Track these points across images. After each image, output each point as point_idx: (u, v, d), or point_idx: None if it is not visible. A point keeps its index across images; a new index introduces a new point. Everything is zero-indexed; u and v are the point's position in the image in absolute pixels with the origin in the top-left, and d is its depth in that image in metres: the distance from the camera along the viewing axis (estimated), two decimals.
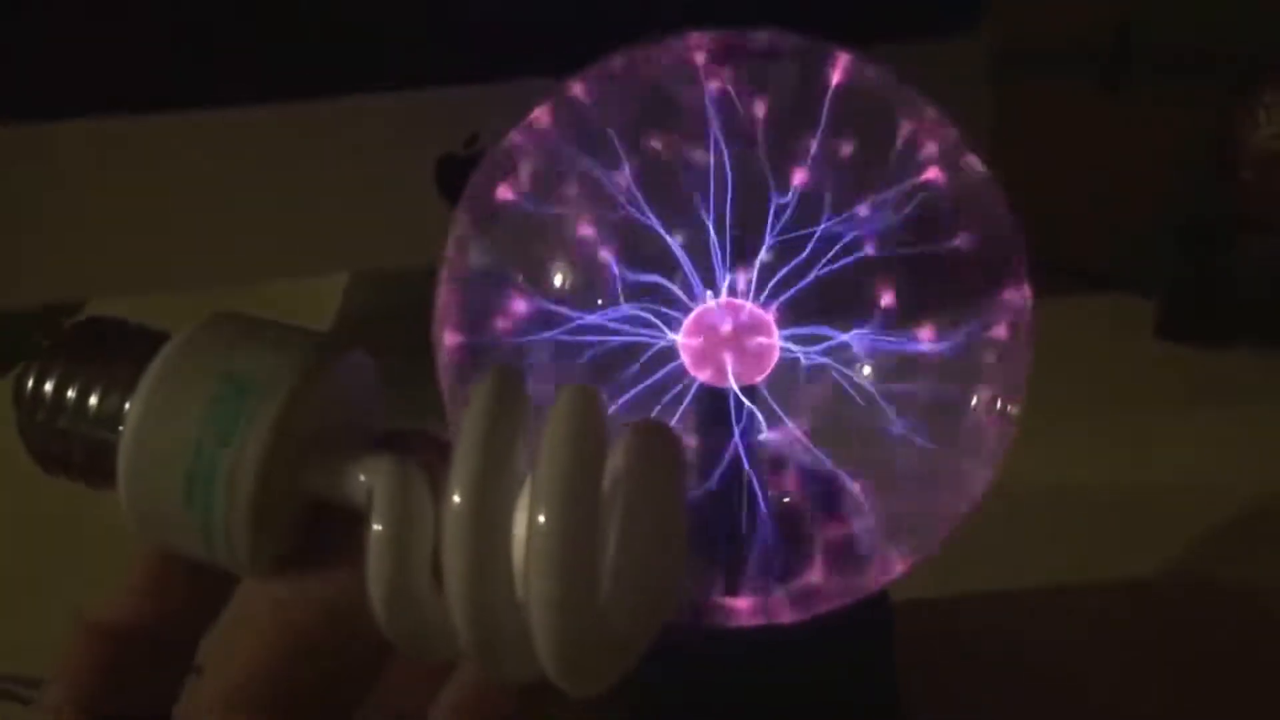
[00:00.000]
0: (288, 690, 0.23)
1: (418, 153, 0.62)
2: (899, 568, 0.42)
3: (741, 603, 0.40)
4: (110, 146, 0.59)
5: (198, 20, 0.58)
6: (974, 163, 0.38)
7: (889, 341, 0.38)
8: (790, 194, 0.37)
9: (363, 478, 0.24)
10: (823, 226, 0.37)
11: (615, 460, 0.23)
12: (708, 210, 0.37)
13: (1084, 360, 0.69)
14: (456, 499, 0.21)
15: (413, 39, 0.60)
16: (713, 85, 0.37)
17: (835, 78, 0.38)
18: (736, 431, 0.39)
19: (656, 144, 0.38)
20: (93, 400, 0.25)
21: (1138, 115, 0.79)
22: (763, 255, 0.38)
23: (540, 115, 0.39)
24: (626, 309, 0.38)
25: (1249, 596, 0.56)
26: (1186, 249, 0.75)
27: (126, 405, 0.24)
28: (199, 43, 0.59)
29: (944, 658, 0.51)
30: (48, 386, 0.25)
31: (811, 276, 0.37)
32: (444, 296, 0.40)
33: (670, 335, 0.39)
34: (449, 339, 0.40)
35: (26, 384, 0.25)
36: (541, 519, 0.21)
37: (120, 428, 0.24)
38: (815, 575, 0.41)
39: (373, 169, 0.62)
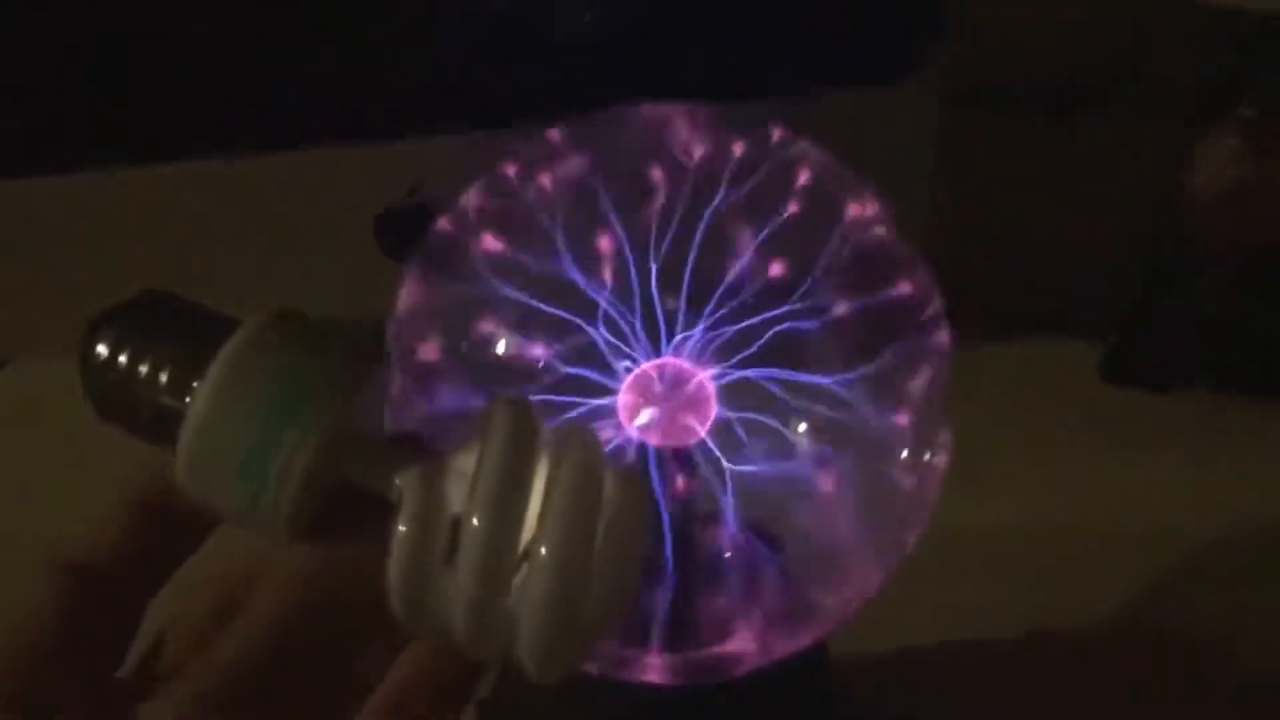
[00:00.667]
0: (299, 638, 0.27)
1: (355, 206, 0.62)
2: (835, 618, 0.42)
3: (659, 659, 0.40)
4: (45, 205, 0.59)
5: (133, 75, 0.58)
6: (888, 226, 0.39)
7: (812, 383, 0.38)
8: (727, 263, 0.38)
9: (396, 480, 0.27)
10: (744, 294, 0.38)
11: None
12: (639, 280, 0.38)
13: (1031, 405, 0.70)
14: (475, 522, 0.26)
15: (349, 95, 0.61)
16: (654, 163, 0.39)
17: (768, 153, 0.39)
18: (660, 485, 0.40)
19: (594, 213, 0.39)
20: (164, 374, 0.27)
21: (1086, 158, 0.81)
22: (697, 325, 0.39)
23: (473, 197, 0.40)
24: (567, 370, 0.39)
25: (1196, 634, 0.57)
26: (1136, 291, 0.76)
27: (195, 384, 0.27)
28: (137, 98, 0.59)
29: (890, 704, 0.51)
30: (122, 352, 0.28)
31: (752, 348, 0.38)
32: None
33: (609, 395, 0.40)
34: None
35: (99, 344, 0.28)
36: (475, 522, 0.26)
37: (188, 399, 0.27)
38: (745, 635, 0.41)
39: (311, 222, 0.62)
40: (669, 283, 0.38)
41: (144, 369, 0.27)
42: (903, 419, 0.39)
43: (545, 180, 0.39)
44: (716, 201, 0.37)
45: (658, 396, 0.39)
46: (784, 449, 0.40)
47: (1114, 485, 0.67)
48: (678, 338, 0.39)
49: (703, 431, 0.40)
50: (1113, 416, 0.73)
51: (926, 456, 0.40)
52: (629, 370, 0.40)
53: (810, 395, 0.38)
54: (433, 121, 0.62)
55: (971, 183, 0.73)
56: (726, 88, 0.41)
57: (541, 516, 0.26)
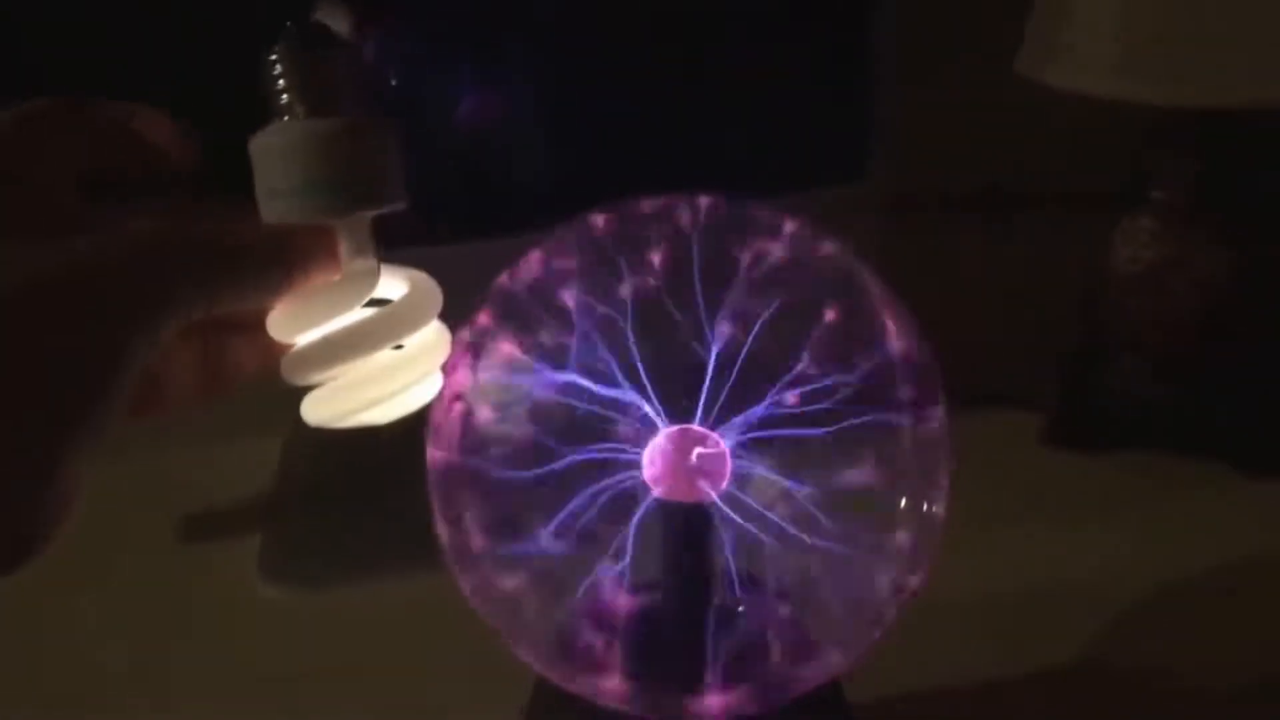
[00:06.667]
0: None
1: None
2: (839, 664, 0.45)
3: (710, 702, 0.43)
4: None
5: None
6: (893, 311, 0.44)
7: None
8: (737, 339, 0.42)
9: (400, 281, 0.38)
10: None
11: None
12: (663, 355, 0.42)
13: (978, 471, 0.73)
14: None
15: None
16: (657, 251, 0.43)
17: (776, 247, 0.44)
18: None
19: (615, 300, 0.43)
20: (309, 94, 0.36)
21: (1016, 248, 0.86)
22: (718, 387, 0.42)
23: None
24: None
25: (1145, 683, 0.58)
26: (1068, 365, 0.81)
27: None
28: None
29: None
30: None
31: (765, 404, 0.42)
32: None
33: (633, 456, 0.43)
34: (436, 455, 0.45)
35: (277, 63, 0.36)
36: None
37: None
38: (769, 673, 0.45)
39: None
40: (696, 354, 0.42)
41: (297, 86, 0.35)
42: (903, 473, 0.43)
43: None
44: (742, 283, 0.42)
45: (676, 458, 0.43)
46: (793, 506, 0.44)
47: (1063, 542, 0.70)
48: (700, 407, 0.43)
49: (714, 494, 0.43)
50: (1057, 479, 0.77)
51: (925, 507, 0.44)
52: (653, 431, 0.43)
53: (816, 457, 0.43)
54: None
55: (913, 275, 0.76)
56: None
57: None
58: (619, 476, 0.43)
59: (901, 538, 0.44)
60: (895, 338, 0.43)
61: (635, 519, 0.43)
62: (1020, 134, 0.82)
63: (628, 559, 0.43)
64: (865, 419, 0.42)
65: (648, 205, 0.45)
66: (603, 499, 0.43)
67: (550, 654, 0.46)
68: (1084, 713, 0.58)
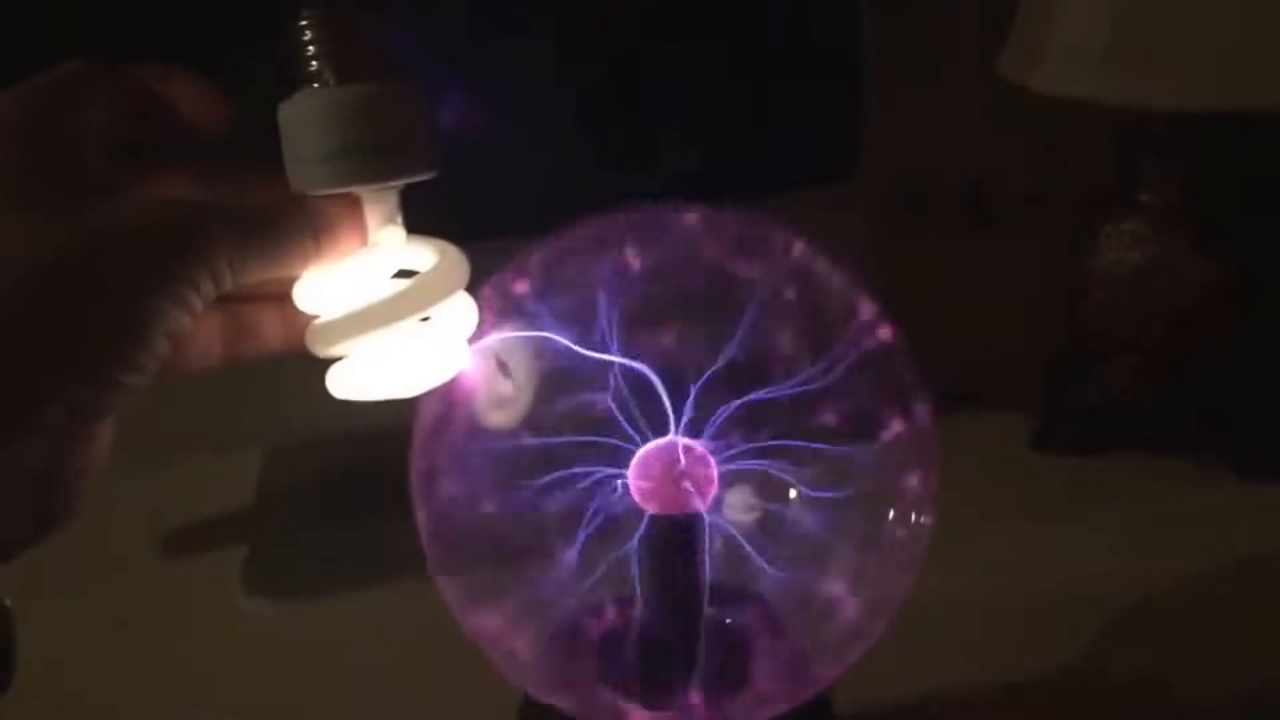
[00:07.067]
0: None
1: None
2: (831, 674, 0.45)
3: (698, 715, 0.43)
4: None
5: None
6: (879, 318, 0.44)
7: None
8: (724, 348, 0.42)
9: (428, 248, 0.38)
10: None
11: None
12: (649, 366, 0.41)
13: (968, 474, 0.73)
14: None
15: None
16: (636, 262, 0.43)
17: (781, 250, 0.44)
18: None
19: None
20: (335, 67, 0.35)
21: (1000, 250, 0.86)
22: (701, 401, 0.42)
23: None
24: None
25: (1136, 687, 0.58)
26: (1056, 368, 0.81)
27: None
28: None
29: None
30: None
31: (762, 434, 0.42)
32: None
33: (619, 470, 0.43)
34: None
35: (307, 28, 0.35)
36: None
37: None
38: (757, 685, 0.44)
39: None
40: (686, 367, 0.42)
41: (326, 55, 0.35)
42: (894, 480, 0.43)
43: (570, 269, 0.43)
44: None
45: (663, 470, 0.43)
46: (782, 513, 0.44)
47: (1053, 544, 0.70)
48: (686, 417, 0.42)
49: (703, 504, 0.43)
50: (1046, 481, 0.77)
51: (914, 517, 0.44)
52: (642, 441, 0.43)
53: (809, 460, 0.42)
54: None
55: (899, 278, 0.76)
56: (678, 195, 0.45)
57: None
58: (600, 480, 0.43)
59: (885, 541, 0.44)
60: (870, 333, 0.43)
61: (629, 533, 0.43)
62: (1007, 136, 0.82)
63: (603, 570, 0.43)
64: (845, 424, 0.42)
65: (626, 215, 0.44)
66: (592, 515, 0.43)
67: (536, 667, 0.46)
68: (1074, 716, 0.58)
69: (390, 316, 0.36)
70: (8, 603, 0.34)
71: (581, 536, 0.43)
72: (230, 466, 0.83)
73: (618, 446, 0.43)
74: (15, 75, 0.35)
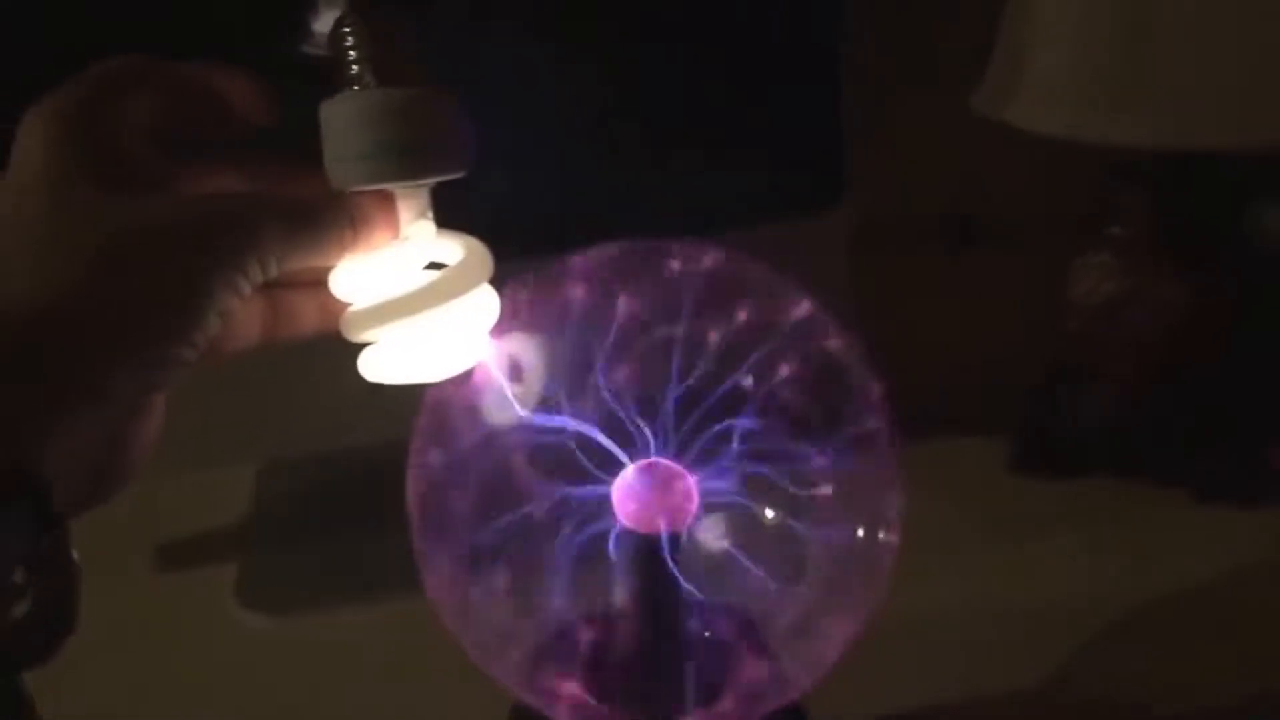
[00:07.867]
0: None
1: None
2: (802, 684, 0.47)
3: None
4: None
5: None
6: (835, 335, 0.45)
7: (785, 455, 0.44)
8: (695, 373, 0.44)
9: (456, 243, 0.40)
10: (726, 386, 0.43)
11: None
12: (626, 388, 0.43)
13: (946, 495, 0.75)
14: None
15: None
16: (624, 299, 0.45)
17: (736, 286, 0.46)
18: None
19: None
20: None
21: (981, 279, 0.88)
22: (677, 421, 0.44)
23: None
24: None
25: (1111, 706, 0.59)
26: (1033, 393, 0.82)
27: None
28: None
29: None
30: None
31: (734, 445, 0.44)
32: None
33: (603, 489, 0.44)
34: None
35: (349, 33, 0.37)
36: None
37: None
38: (733, 696, 0.46)
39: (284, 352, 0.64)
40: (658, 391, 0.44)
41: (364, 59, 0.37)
42: (857, 497, 0.45)
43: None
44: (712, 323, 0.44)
45: (644, 491, 0.44)
46: (757, 532, 0.45)
47: (1029, 564, 0.71)
48: (665, 439, 0.44)
49: (685, 524, 0.45)
50: (1023, 502, 0.78)
51: (880, 534, 0.46)
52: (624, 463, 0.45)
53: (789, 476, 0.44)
54: None
55: (882, 302, 0.76)
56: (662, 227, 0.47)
57: None
58: (583, 499, 0.45)
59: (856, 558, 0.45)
60: (833, 351, 0.44)
61: (611, 551, 0.45)
62: (986, 166, 0.83)
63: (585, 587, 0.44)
64: (818, 442, 0.44)
65: (613, 249, 0.46)
66: (574, 534, 0.44)
67: (526, 678, 0.47)
68: None
69: (419, 306, 0.39)
70: (76, 556, 0.36)
71: (566, 554, 0.44)
72: (226, 480, 0.84)
73: (604, 463, 0.44)
74: (49, 71, 0.37)
